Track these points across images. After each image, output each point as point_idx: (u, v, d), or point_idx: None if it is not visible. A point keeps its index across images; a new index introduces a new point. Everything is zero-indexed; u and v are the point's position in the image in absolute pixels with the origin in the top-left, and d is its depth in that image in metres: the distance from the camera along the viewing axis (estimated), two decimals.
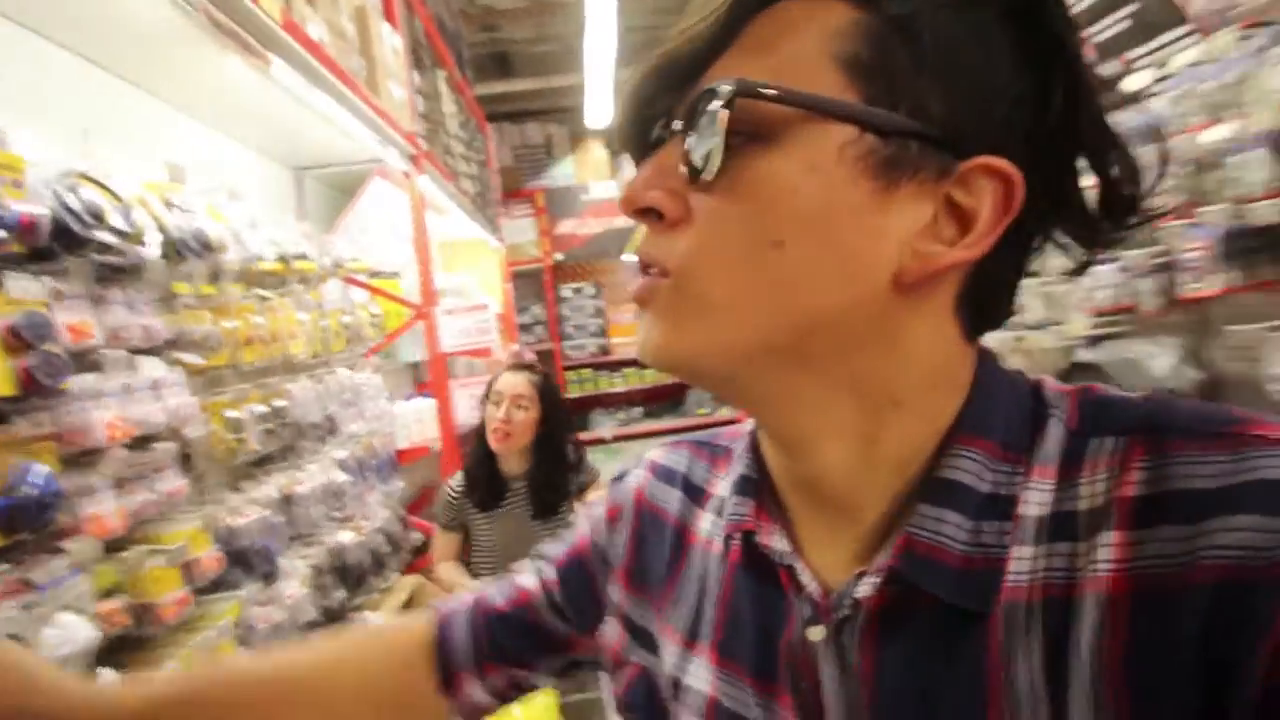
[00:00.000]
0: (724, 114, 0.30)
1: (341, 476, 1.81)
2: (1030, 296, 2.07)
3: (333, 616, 1.69)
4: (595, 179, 6.97)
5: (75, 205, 0.96)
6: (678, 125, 0.33)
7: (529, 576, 0.52)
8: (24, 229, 0.86)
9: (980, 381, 0.34)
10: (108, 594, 1.00)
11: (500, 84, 6.38)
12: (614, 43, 4.94)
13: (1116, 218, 0.33)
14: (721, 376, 0.35)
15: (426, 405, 2.49)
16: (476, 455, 1.82)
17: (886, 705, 0.32)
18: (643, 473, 0.50)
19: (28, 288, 0.92)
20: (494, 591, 0.53)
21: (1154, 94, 1.78)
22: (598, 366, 7.02)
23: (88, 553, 1.03)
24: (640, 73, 0.35)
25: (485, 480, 1.79)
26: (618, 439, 6.83)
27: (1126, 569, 0.28)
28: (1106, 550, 0.28)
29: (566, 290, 7.02)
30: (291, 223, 1.92)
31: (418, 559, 2.30)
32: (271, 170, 2.23)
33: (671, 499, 0.47)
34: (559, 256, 6.88)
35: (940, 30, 0.30)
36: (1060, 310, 2.00)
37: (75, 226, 0.95)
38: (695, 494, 0.45)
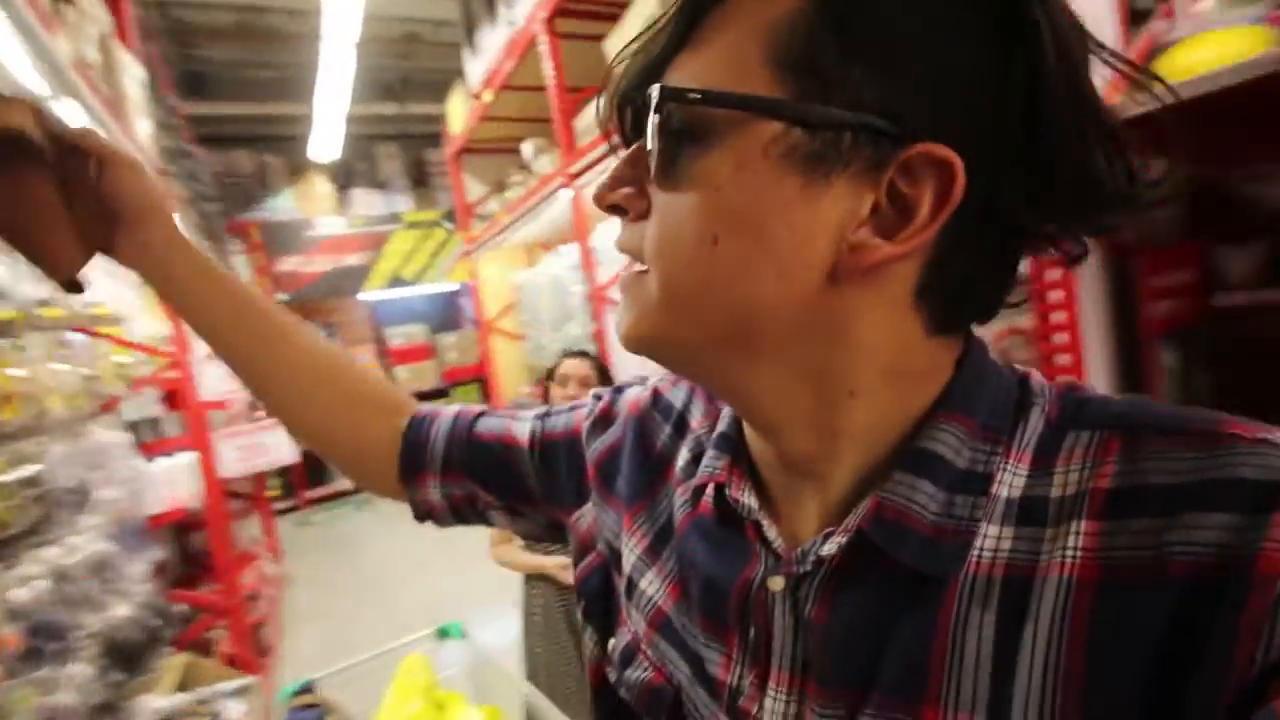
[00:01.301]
0: (654, 119, 0.31)
1: (106, 547, 1.58)
2: None
3: (109, 705, 1.49)
4: (321, 214, 6.52)
5: None
6: (634, 109, 0.34)
7: (523, 426, 0.55)
8: None
9: (966, 364, 0.34)
10: None
11: (203, 105, 5.65)
12: (350, 79, 4.83)
13: (1104, 205, 0.30)
14: (681, 362, 0.37)
15: (178, 463, 2.20)
16: None
17: (833, 652, 0.32)
18: (646, 395, 0.50)
19: None
20: (483, 418, 0.56)
21: None
22: None
23: None
24: (617, 69, 0.35)
25: None
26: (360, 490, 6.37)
27: (1096, 557, 0.28)
28: (1076, 538, 0.28)
29: None
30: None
31: (183, 634, 2.01)
32: None
33: (663, 432, 0.47)
34: (282, 297, 6.24)
35: (878, 15, 0.28)
36: None
37: None
38: (683, 431, 0.46)
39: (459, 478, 0.55)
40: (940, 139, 0.28)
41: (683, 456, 0.44)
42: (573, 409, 0.55)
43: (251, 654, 2.48)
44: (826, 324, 0.32)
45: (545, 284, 4.11)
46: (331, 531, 5.34)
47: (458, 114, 4.36)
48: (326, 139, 5.78)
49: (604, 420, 0.51)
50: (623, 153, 0.36)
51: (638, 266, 0.35)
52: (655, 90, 0.31)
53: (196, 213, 3.28)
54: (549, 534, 0.57)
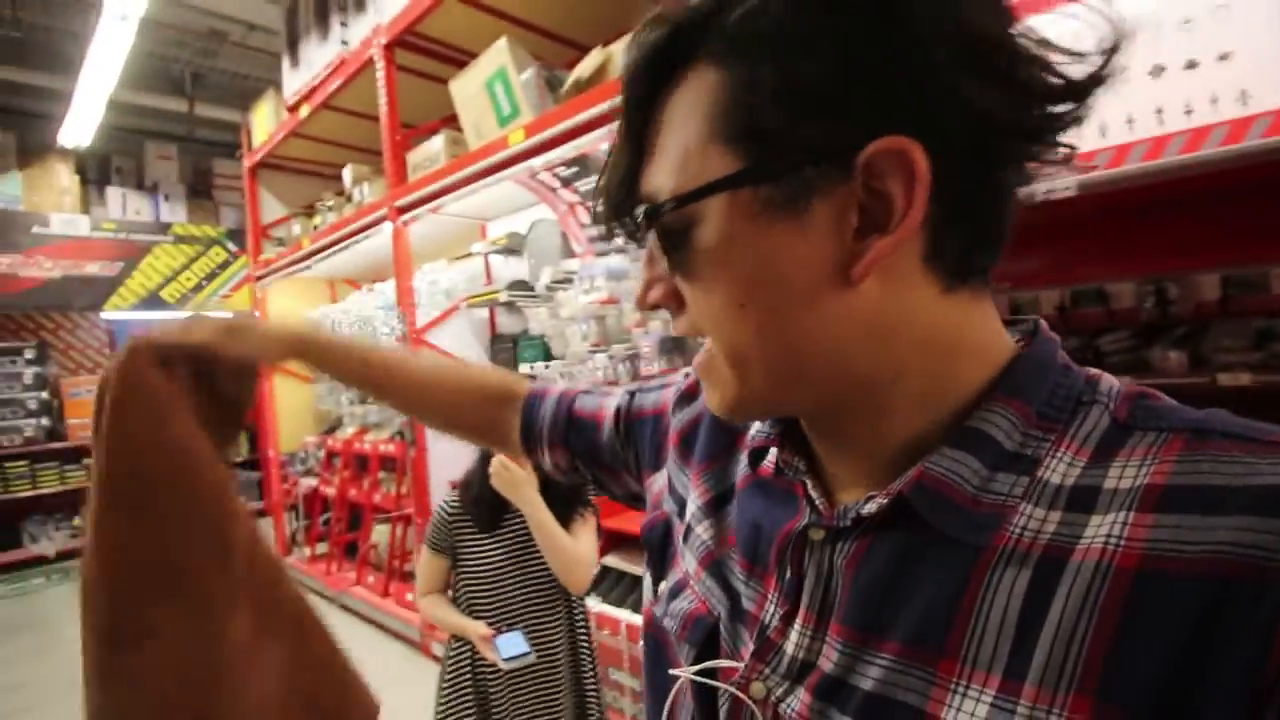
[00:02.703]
0: (652, 233, 0.35)
1: None
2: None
3: None
4: (59, 210, 5.35)
5: None
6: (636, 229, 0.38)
7: (611, 402, 0.63)
8: None
9: (1031, 353, 0.36)
10: None
11: None
12: (122, 60, 4.14)
13: (1047, 124, 0.32)
14: (760, 414, 0.42)
15: None
16: (480, 472, 1.54)
17: (858, 598, 0.35)
18: None
19: None
20: (581, 397, 0.66)
21: None
22: (39, 456, 5.13)
23: None
24: (599, 186, 0.39)
25: (489, 497, 1.51)
26: (65, 555, 5.03)
27: (1139, 546, 0.28)
28: (1123, 527, 0.29)
29: None
30: None
31: None
32: None
33: None
34: None
35: (780, 61, 0.31)
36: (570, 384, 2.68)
37: None
38: None
39: (562, 451, 0.66)
40: (883, 132, 0.30)
41: (754, 426, 0.47)
42: (664, 386, 0.61)
43: None
44: (860, 325, 0.34)
45: (349, 323, 3.77)
46: (16, 610, 4.01)
47: (263, 125, 3.95)
48: (81, 123, 4.81)
49: (689, 396, 0.56)
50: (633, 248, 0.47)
51: (704, 350, 0.39)
52: (640, 213, 0.35)
53: None
54: (629, 501, 0.65)
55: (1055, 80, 0.31)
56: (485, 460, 1.54)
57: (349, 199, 3.32)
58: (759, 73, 0.31)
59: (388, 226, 2.84)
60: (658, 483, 0.56)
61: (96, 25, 3.73)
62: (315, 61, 3.28)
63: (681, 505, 0.51)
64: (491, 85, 2.35)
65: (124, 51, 4.02)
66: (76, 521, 5.28)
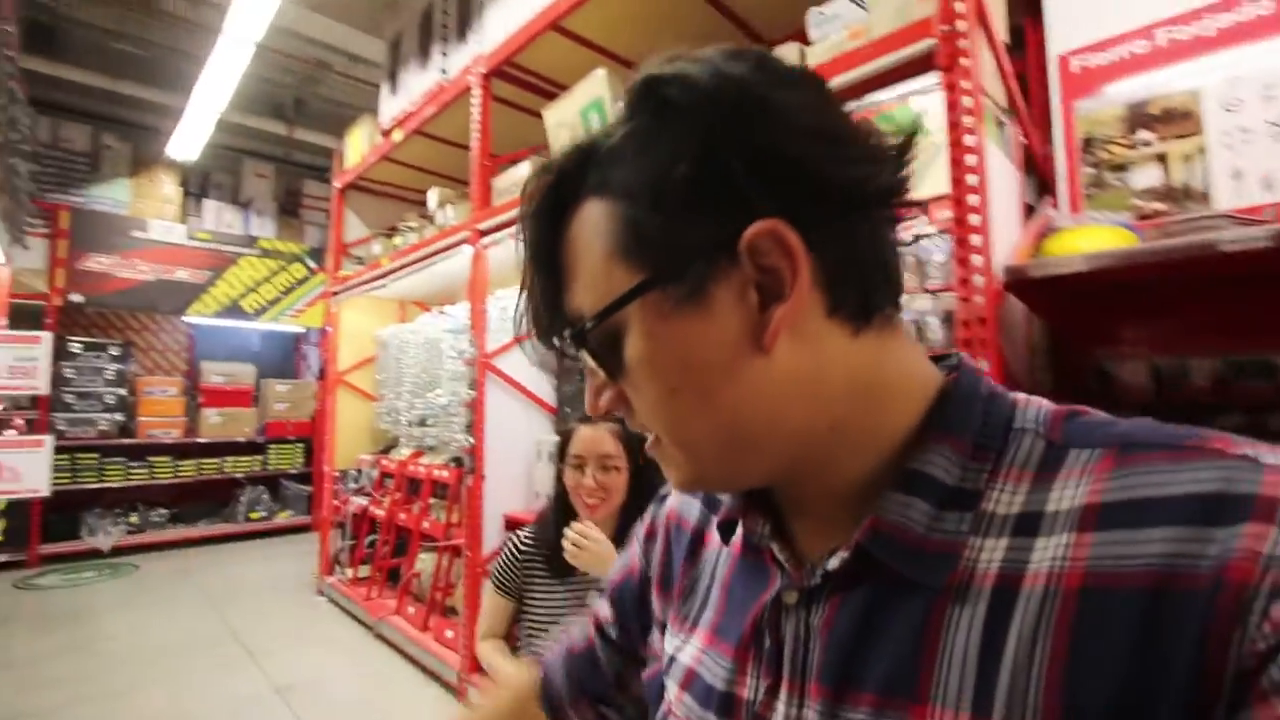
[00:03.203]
0: (582, 352, 0.39)
1: None
2: None
3: None
4: (160, 217, 5.67)
5: None
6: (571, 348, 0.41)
7: (597, 609, 0.62)
8: None
9: (957, 388, 0.38)
10: None
11: (41, 62, 4.83)
12: (234, 83, 4.40)
13: (886, 186, 0.36)
14: (721, 484, 0.43)
15: None
16: (556, 519, 1.45)
17: (834, 654, 0.36)
18: (676, 492, 0.57)
19: None
20: (577, 631, 0.63)
21: None
22: (109, 451, 5.31)
23: None
24: (525, 320, 0.42)
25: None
26: (120, 550, 5.14)
27: (1081, 565, 0.30)
28: (1066, 549, 0.31)
29: (76, 344, 5.27)
30: None
31: None
32: None
33: (693, 511, 0.53)
34: (76, 298, 5.20)
35: (639, 176, 0.35)
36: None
37: None
38: (714, 505, 0.51)
39: (583, 704, 0.61)
40: (753, 218, 0.34)
41: (714, 522, 0.49)
42: (621, 564, 0.61)
43: None
44: (785, 385, 0.36)
45: (416, 344, 3.77)
46: (65, 602, 4.08)
47: (357, 147, 4.08)
48: (189, 138, 5.14)
49: (650, 538, 0.58)
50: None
51: (651, 437, 0.41)
52: (566, 337, 0.39)
53: (2, 165, 2.63)
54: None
55: (880, 150, 0.36)
56: (562, 505, 1.44)
57: (431, 220, 3.35)
58: (633, 190, 0.36)
59: (467, 249, 2.83)
60: (654, 640, 0.55)
61: (214, 48, 3.98)
62: (413, 89, 3.37)
63: (663, 637, 0.52)
64: (586, 114, 2.33)
65: (237, 75, 4.27)
66: (134, 519, 5.40)
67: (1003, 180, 1.46)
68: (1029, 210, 1.71)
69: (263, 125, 5.92)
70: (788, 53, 1.69)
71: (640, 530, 0.59)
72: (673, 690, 0.47)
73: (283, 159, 6.56)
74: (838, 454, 0.38)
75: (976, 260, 1.28)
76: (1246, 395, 1.51)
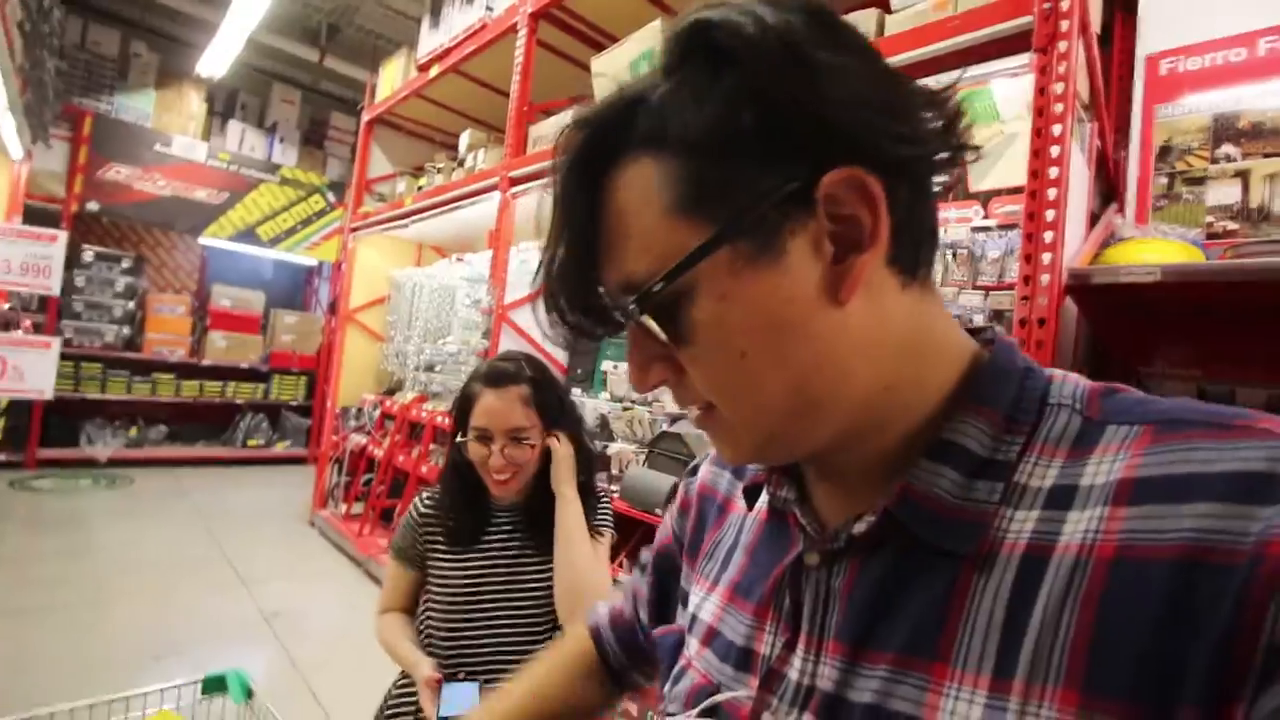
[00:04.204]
0: (645, 318, 0.36)
1: None
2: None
3: None
4: (183, 133, 5.57)
5: None
6: (620, 319, 0.39)
7: (637, 576, 0.64)
8: None
9: (994, 359, 0.38)
10: None
11: None
12: (266, 3, 4.26)
13: (947, 144, 0.36)
14: (782, 454, 0.41)
15: None
16: (454, 484, 1.23)
17: (855, 614, 0.36)
18: (706, 464, 0.58)
19: None
20: (621, 598, 0.66)
21: None
22: (113, 363, 5.30)
23: None
24: (547, 290, 0.39)
25: (465, 511, 1.22)
26: (115, 462, 5.16)
27: (1115, 538, 0.29)
28: (1100, 521, 0.30)
29: (89, 252, 5.23)
30: None
31: None
32: None
33: (722, 481, 0.55)
34: (92, 206, 5.13)
35: (702, 127, 0.33)
36: (656, 391, 2.54)
37: None
38: (740, 473, 0.53)
39: (643, 663, 0.64)
40: (828, 168, 0.33)
41: (739, 488, 0.50)
42: (659, 532, 0.62)
43: None
44: (855, 341, 0.35)
45: (431, 289, 3.71)
46: (59, 506, 4.12)
47: (390, 81, 3.97)
48: (219, 55, 5.00)
49: (683, 512, 0.58)
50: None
51: (696, 410, 0.40)
52: (632, 303, 0.36)
53: (30, 56, 2.54)
54: None
55: (943, 104, 0.36)
56: (460, 471, 1.20)
57: (461, 164, 3.27)
58: (696, 141, 0.34)
59: (496, 196, 2.75)
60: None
61: None
62: (455, 24, 3.25)
63: (686, 601, 0.52)
64: (637, 66, 2.23)
65: (264, 3, 4.13)
66: (133, 432, 5.42)
67: (1078, 180, 1.39)
68: (1091, 216, 1.63)
69: (294, 50, 5.78)
70: (865, 20, 1.59)
71: (674, 505, 0.60)
72: (694, 646, 0.47)
73: (311, 87, 6.42)
74: (886, 417, 0.37)
75: (1045, 259, 1.20)
76: None
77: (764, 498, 0.46)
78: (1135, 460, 0.31)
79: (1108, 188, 1.73)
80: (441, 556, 1.20)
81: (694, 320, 0.35)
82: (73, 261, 5.01)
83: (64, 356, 4.92)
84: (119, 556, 3.37)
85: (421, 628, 1.21)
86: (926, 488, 0.35)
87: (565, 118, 2.67)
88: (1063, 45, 1.19)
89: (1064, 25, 1.19)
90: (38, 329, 4.15)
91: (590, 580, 1.11)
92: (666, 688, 0.48)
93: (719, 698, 0.42)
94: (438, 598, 1.19)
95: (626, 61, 2.26)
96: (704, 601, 0.48)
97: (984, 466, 0.35)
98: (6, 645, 2.39)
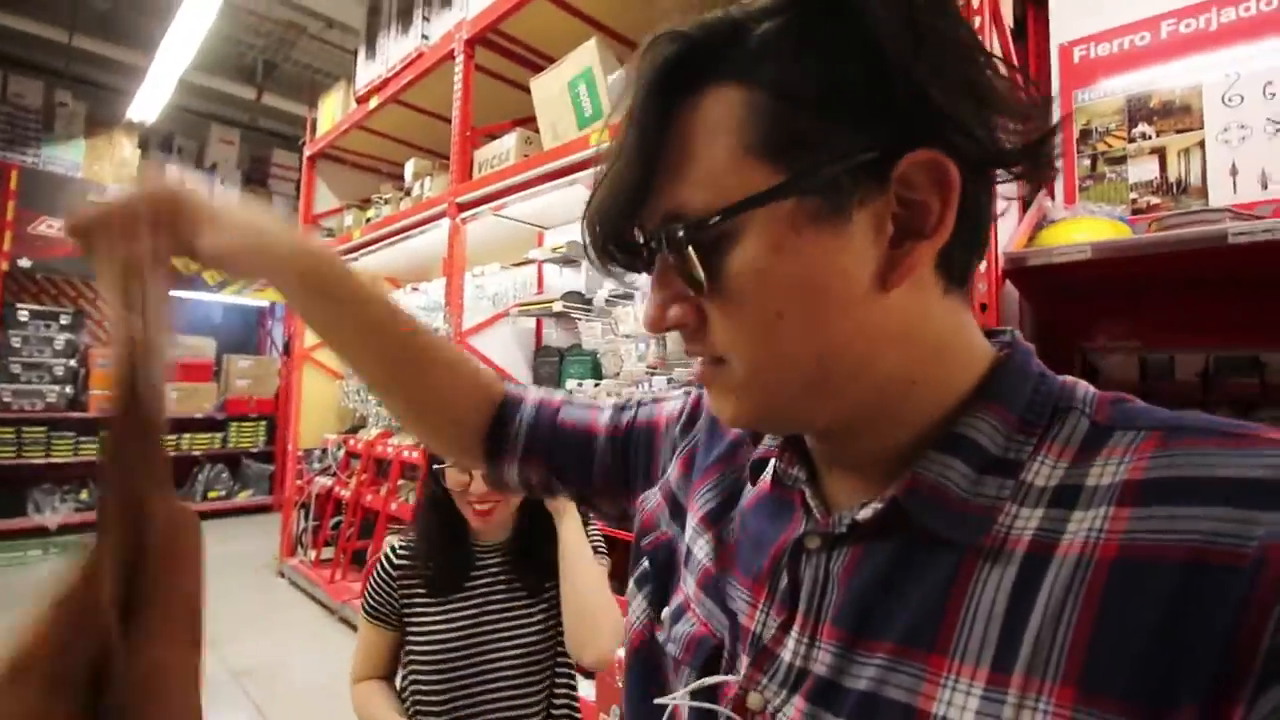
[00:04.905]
0: (690, 250, 0.34)
1: None
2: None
3: None
4: (117, 181, 5.39)
5: None
6: (654, 248, 0.37)
7: (603, 416, 0.61)
8: None
9: (1011, 362, 0.37)
10: None
11: None
12: (197, 43, 4.17)
13: (1025, 158, 0.35)
14: (782, 424, 0.40)
15: None
16: (432, 524, 1.12)
17: (853, 601, 0.36)
18: None
19: None
20: (566, 408, 0.62)
21: None
22: (57, 424, 5.06)
23: None
24: (593, 206, 0.38)
25: (445, 553, 1.11)
26: (66, 528, 4.90)
27: (1118, 537, 0.29)
28: (1104, 521, 0.30)
29: (23, 311, 5.00)
30: None
31: None
32: None
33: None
34: (24, 263, 4.92)
35: (804, 73, 0.32)
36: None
37: None
38: (757, 436, 0.50)
39: (538, 464, 0.61)
40: (912, 146, 0.32)
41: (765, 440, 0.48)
42: (656, 401, 0.60)
43: None
44: (889, 331, 0.35)
45: None
46: (6, 584, 3.87)
47: (330, 115, 3.92)
48: (150, 99, 4.87)
49: (692, 419, 0.55)
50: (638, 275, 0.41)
51: (700, 362, 0.39)
52: (677, 227, 0.34)
53: None
54: (617, 521, 0.62)
55: (1025, 105, 0.35)
56: (438, 506, 1.10)
57: (408, 193, 3.23)
58: (795, 86, 0.32)
59: (445, 223, 2.72)
60: (649, 501, 0.55)
61: (180, 2, 3.76)
62: (392, 55, 3.23)
63: (683, 527, 0.50)
64: (575, 85, 2.24)
65: (203, 32, 4.05)
66: (84, 495, 5.17)
67: None
68: (1023, 202, 1.69)
69: (230, 89, 5.66)
70: None
71: (681, 403, 0.58)
72: (690, 585, 0.47)
73: (250, 125, 6.29)
74: (903, 410, 0.37)
75: None
76: (1233, 390, 1.52)
77: (768, 471, 0.45)
78: (1142, 463, 0.31)
79: None
80: (422, 609, 1.09)
81: (737, 266, 0.34)
82: (6, 323, 4.78)
83: (3, 422, 4.70)
84: None
85: (406, 694, 1.09)
86: (935, 478, 0.35)
87: (509, 140, 2.68)
88: None
89: (976, 21, 1.23)
90: None
91: (601, 602, 1.02)
92: (667, 619, 0.47)
93: (713, 680, 0.41)
94: (423, 657, 1.07)
95: (565, 81, 2.27)
96: (700, 538, 0.47)
97: (994, 464, 0.35)
98: None
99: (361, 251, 3.52)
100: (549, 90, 2.34)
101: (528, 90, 2.39)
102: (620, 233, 0.37)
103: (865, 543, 0.37)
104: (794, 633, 0.38)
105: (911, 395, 0.37)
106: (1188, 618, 0.27)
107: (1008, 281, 1.38)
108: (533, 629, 1.10)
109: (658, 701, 0.43)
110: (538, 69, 2.48)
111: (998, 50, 1.43)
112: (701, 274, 0.34)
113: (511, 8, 2.46)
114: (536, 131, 2.43)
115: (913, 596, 0.34)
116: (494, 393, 0.62)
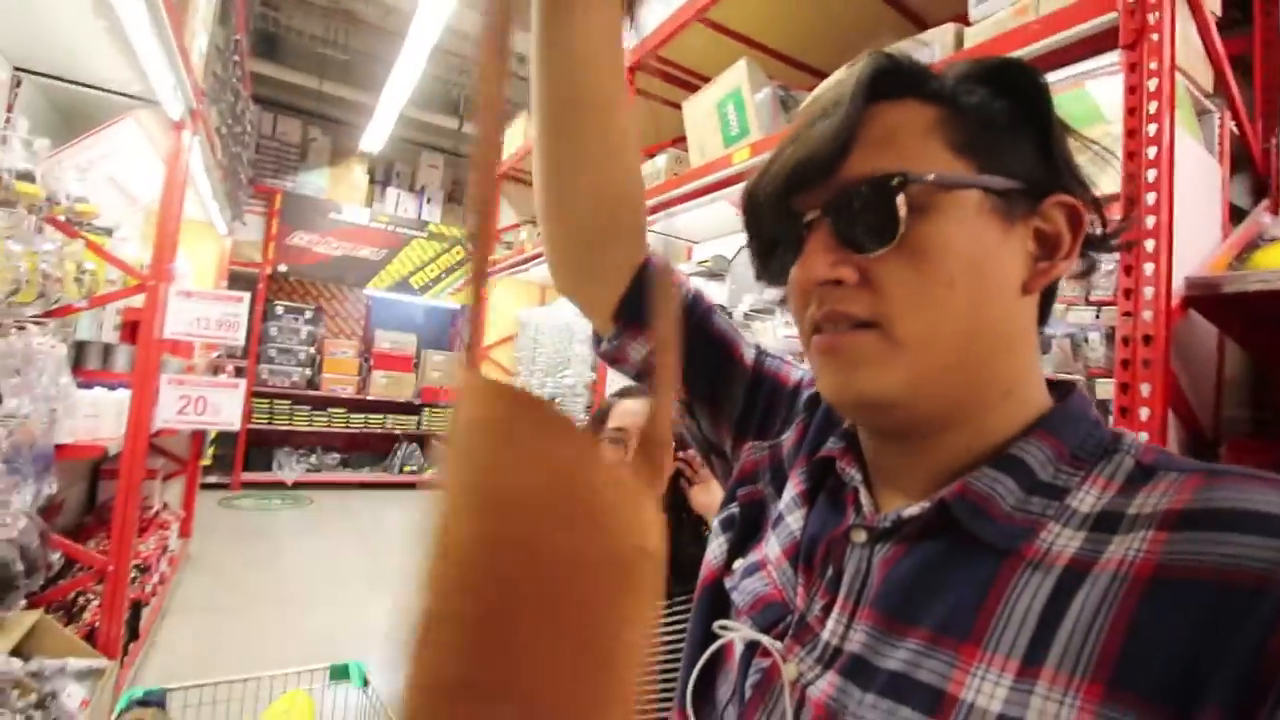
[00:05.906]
0: (901, 198, 0.38)
1: None
2: None
3: None
4: (350, 202, 6.46)
5: None
6: (832, 211, 0.40)
7: (748, 348, 0.61)
8: None
9: (1070, 403, 0.41)
10: None
11: (267, 65, 5.69)
12: (415, 81, 4.88)
13: (1101, 236, 0.43)
14: (917, 398, 0.39)
15: (109, 397, 1.96)
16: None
17: (891, 589, 0.38)
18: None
19: None
20: (718, 315, 0.61)
21: None
22: (298, 399, 6.18)
23: None
24: (782, 167, 0.42)
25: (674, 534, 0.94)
26: (299, 485, 5.98)
27: (1156, 557, 0.31)
28: (1142, 542, 0.32)
29: (279, 306, 6.17)
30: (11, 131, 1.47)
31: (50, 589, 1.70)
32: None
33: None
34: (282, 268, 6.07)
35: (994, 112, 0.40)
36: None
37: None
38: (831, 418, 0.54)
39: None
40: (1057, 189, 0.41)
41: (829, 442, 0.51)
42: (785, 362, 0.61)
43: (118, 634, 2.14)
44: (1015, 332, 0.41)
45: (551, 326, 3.98)
46: (255, 522, 4.89)
47: (512, 140, 4.37)
48: (377, 132, 5.79)
49: (813, 403, 0.57)
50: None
51: (834, 330, 0.40)
52: (897, 177, 0.38)
53: (227, 154, 3.15)
54: (702, 444, 0.61)
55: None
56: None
57: None
58: (992, 114, 0.41)
59: None
60: (754, 453, 0.56)
61: (400, 51, 4.43)
62: None
63: (780, 490, 0.52)
64: (723, 105, 2.31)
65: (418, 74, 4.73)
66: (313, 459, 6.24)
67: (1198, 178, 1.25)
68: (1236, 214, 1.44)
69: (437, 120, 6.51)
70: (943, 35, 1.56)
71: (809, 378, 0.59)
72: (774, 548, 0.48)
73: (452, 151, 7.18)
74: (986, 420, 0.40)
75: (1148, 269, 1.10)
76: None
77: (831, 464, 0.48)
78: (1184, 496, 0.33)
79: (1257, 183, 1.53)
80: None
81: (929, 229, 0.38)
82: (267, 315, 5.95)
83: (259, 395, 5.84)
84: (302, 568, 3.92)
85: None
86: (984, 489, 0.37)
87: (661, 160, 2.82)
88: (1153, 38, 1.10)
89: (1152, 18, 1.10)
90: (240, 373, 4.98)
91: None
92: (738, 570, 0.49)
93: (761, 638, 0.43)
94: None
95: (713, 102, 2.34)
96: (795, 509, 0.49)
97: (1042, 487, 0.37)
98: (204, 637, 2.87)
99: (533, 263, 3.89)
100: (699, 111, 2.43)
101: (678, 107, 2.51)
102: (792, 198, 0.42)
103: (908, 542, 0.39)
104: (834, 614, 0.40)
105: (999, 408, 0.40)
106: (1219, 629, 0.28)
107: (1190, 310, 1.20)
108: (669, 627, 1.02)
109: (719, 625, 0.47)
110: (692, 89, 2.59)
111: (1195, 43, 1.25)
112: (901, 224, 0.38)
113: (670, 34, 2.58)
114: (686, 151, 2.54)
115: (951, 591, 0.36)
116: (639, 250, 0.55)
